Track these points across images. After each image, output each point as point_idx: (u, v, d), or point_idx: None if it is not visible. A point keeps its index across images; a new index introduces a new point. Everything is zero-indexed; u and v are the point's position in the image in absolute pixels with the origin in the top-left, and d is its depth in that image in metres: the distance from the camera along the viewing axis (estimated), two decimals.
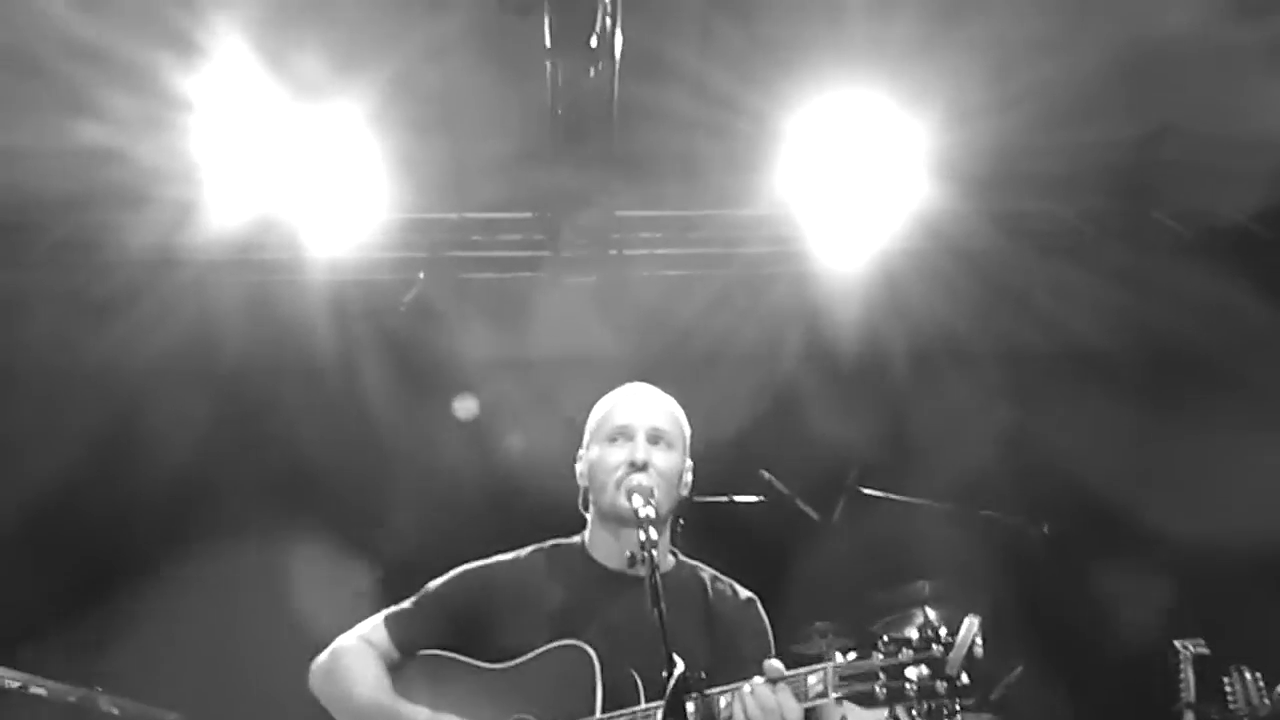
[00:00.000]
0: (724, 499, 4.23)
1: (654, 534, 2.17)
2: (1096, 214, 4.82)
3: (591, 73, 3.71)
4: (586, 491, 2.47)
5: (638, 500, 2.26)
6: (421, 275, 4.86)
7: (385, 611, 2.45)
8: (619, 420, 2.43)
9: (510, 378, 5.01)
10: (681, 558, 2.53)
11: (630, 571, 2.27)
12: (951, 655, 1.82)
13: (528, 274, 4.98)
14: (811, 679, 1.97)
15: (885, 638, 1.94)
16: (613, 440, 2.41)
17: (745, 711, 1.97)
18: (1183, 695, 3.92)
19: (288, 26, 3.70)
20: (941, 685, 1.81)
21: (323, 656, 2.42)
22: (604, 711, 2.17)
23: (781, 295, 4.95)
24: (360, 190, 4.39)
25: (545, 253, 4.88)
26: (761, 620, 2.47)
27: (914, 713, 1.72)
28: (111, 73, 3.74)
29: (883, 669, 1.88)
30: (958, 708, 1.78)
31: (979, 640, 1.83)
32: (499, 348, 5.04)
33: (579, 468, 2.49)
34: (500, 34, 3.74)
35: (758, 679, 2.00)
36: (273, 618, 4.36)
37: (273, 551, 4.65)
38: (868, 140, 4.19)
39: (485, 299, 5.03)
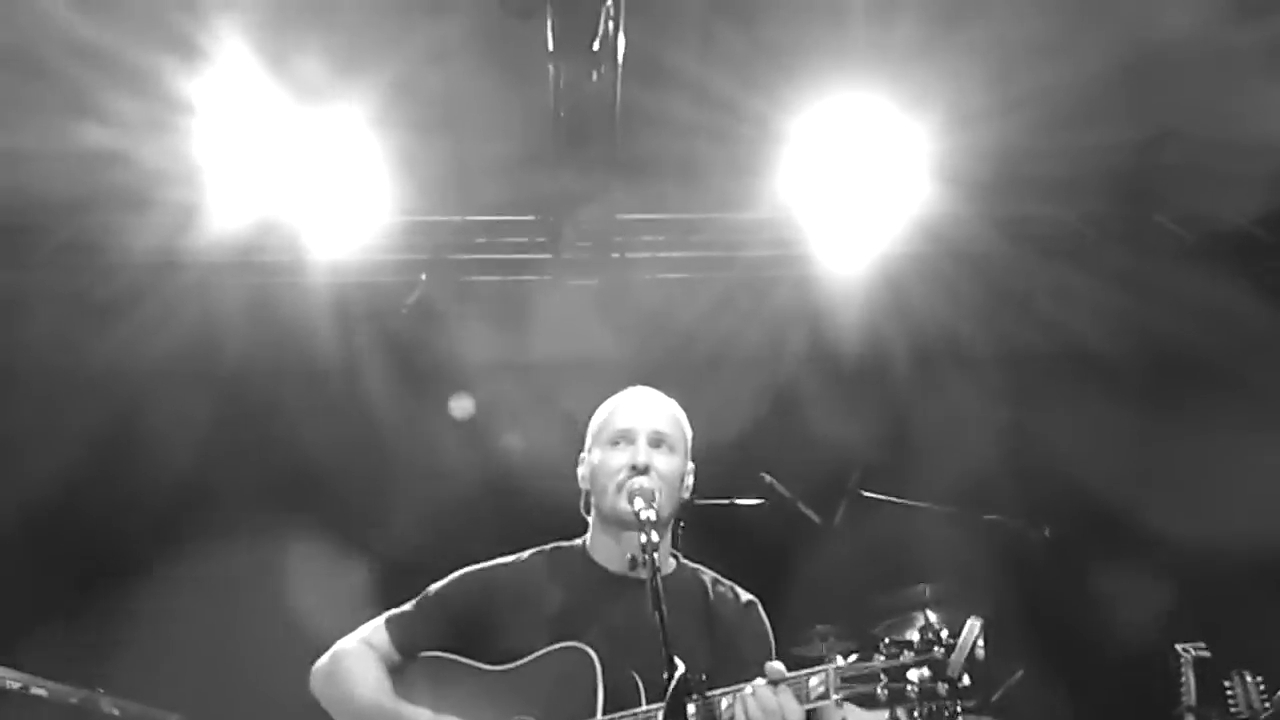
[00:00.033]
0: (725, 502, 4.23)
1: (655, 536, 2.17)
2: (1098, 217, 4.83)
3: (594, 76, 3.72)
4: (588, 495, 2.47)
5: (639, 503, 2.26)
6: (423, 277, 4.87)
7: (386, 614, 2.45)
8: (621, 424, 2.44)
9: (512, 380, 5.02)
10: (683, 560, 2.53)
11: (631, 574, 2.27)
12: (953, 657, 1.83)
13: (530, 277, 4.98)
14: (813, 680, 1.97)
15: (887, 640, 1.94)
16: (615, 444, 2.41)
17: (747, 713, 1.97)
18: (1183, 698, 3.92)
19: (290, 29, 3.70)
20: (943, 687, 1.81)
21: (323, 659, 2.42)
22: (605, 713, 2.17)
23: (783, 298, 4.95)
24: (362, 192, 4.39)
25: (547, 255, 4.89)
26: (762, 623, 2.47)
27: (915, 714, 1.72)
28: (115, 75, 3.75)
29: (884, 671, 1.88)
30: (959, 709, 1.78)
31: (980, 642, 1.84)
32: (501, 350, 5.05)
33: (580, 471, 2.49)
34: (502, 37, 3.74)
35: (759, 680, 2.00)
36: (274, 619, 4.36)
37: (274, 553, 4.66)
38: (869, 144, 4.19)
39: (487, 301, 5.03)
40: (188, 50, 3.68)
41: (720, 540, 3.07)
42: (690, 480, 2.49)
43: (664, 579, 2.11)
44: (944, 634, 1.86)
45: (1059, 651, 4.54)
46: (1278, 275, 4.70)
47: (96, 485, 4.77)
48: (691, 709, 1.98)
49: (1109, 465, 4.72)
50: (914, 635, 1.89)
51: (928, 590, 4.40)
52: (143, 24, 3.61)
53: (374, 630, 2.43)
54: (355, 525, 4.92)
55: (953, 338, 4.94)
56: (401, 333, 4.96)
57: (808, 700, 1.97)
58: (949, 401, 4.99)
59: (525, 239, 4.91)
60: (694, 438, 2.52)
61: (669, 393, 2.56)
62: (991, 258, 4.79)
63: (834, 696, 1.95)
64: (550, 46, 3.61)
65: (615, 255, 4.91)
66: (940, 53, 3.80)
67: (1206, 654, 3.97)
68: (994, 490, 4.63)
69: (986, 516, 4.36)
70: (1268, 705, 3.79)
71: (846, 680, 1.92)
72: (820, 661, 2.03)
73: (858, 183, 4.35)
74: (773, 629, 2.48)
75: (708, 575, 2.51)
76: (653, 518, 2.23)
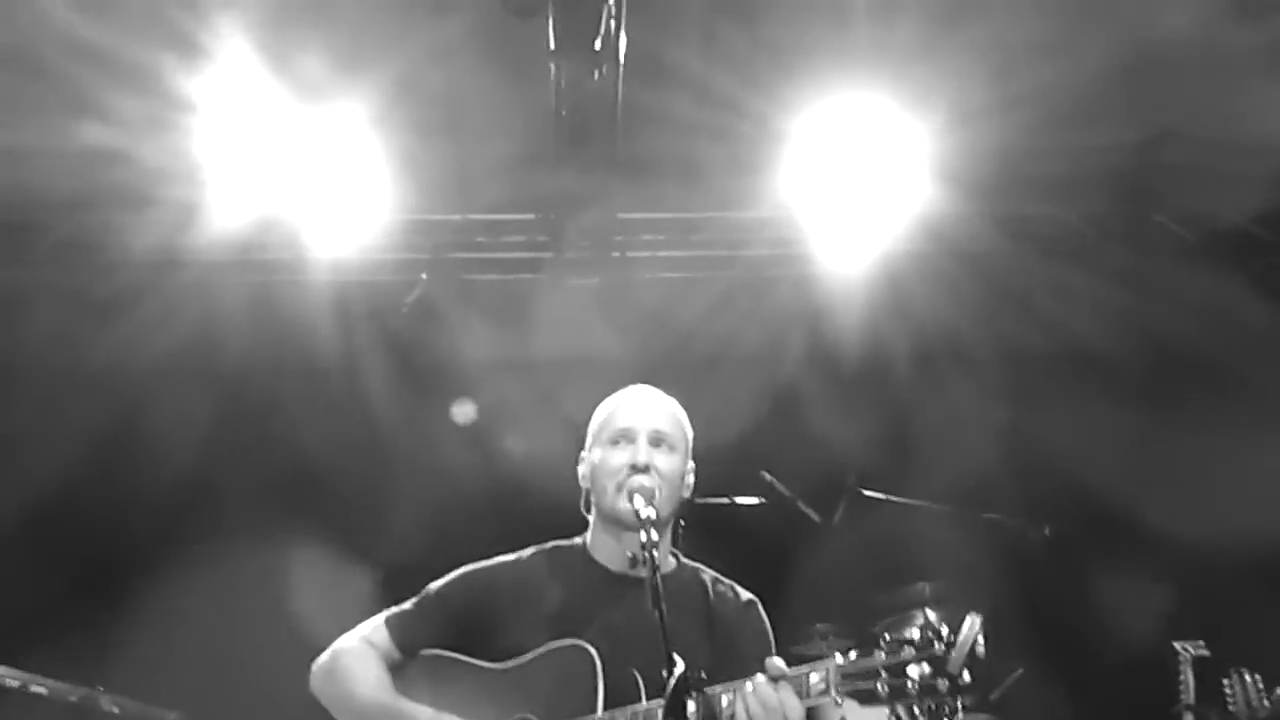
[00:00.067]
0: (725, 501, 4.24)
1: (655, 535, 2.17)
2: (1098, 217, 4.83)
3: (595, 75, 3.72)
4: (588, 494, 2.47)
5: (639, 501, 2.27)
6: (424, 276, 4.87)
7: (386, 612, 2.45)
8: (621, 423, 2.44)
9: (512, 379, 5.02)
10: (683, 560, 2.54)
11: (631, 573, 2.27)
12: (954, 653, 1.82)
13: (530, 276, 4.98)
14: (813, 677, 1.97)
15: (887, 636, 1.94)
16: (615, 443, 2.41)
17: (747, 709, 1.97)
18: (1182, 697, 3.92)
19: (291, 27, 3.70)
20: (943, 683, 1.81)
21: (323, 657, 2.42)
22: (605, 711, 2.17)
23: (784, 297, 4.95)
24: (363, 191, 4.39)
25: (548, 254, 4.89)
26: (762, 622, 2.47)
27: (915, 711, 1.72)
28: (115, 74, 3.75)
29: (885, 667, 1.88)
30: (959, 706, 1.77)
31: (981, 638, 1.84)
32: (501, 349, 5.05)
33: (581, 470, 2.49)
34: (504, 36, 3.74)
35: (760, 676, 2.00)
36: (274, 618, 4.37)
37: (274, 552, 4.66)
38: (870, 143, 4.20)
39: (488, 300, 5.03)
40: (188, 48, 3.68)
41: (720, 539, 3.07)
42: (690, 479, 2.49)
43: (664, 578, 2.11)
44: (944, 630, 1.86)
45: (1058, 650, 4.54)
46: (1278, 274, 4.70)
47: (96, 484, 4.77)
48: (691, 706, 1.98)
49: (1109, 464, 4.72)
50: (914, 632, 1.88)
51: (927, 589, 4.40)
52: (143, 22, 3.61)
53: (374, 628, 2.43)
54: (355, 524, 4.93)
55: (953, 337, 4.94)
56: (402, 331, 4.97)
57: (808, 696, 1.97)
58: (949, 400, 5.00)
59: (526, 238, 4.91)
60: (694, 437, 2.52)
61: (669, 392, 2.56)
62: (992, 257, 4.79)
63: (834, 692, 1.94)
64: (551, 45, 3.61)
65: (616, 254, 4.91)
66: (941, 52, 3.81)
67: (1205, 653, 3.97)
68: (994, 489, 4.63)
69: (986, 515, 4.36)
70: (1266, 704, 3.79)
71: (847, 676, 1.92)
72: (820, 660, 2.03)
73: (859, 182, 4.35)
74: (772, 628, 2.48)
75: (708, 574, 2.51)
76: (653, 516, 2.23)
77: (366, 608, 2.51)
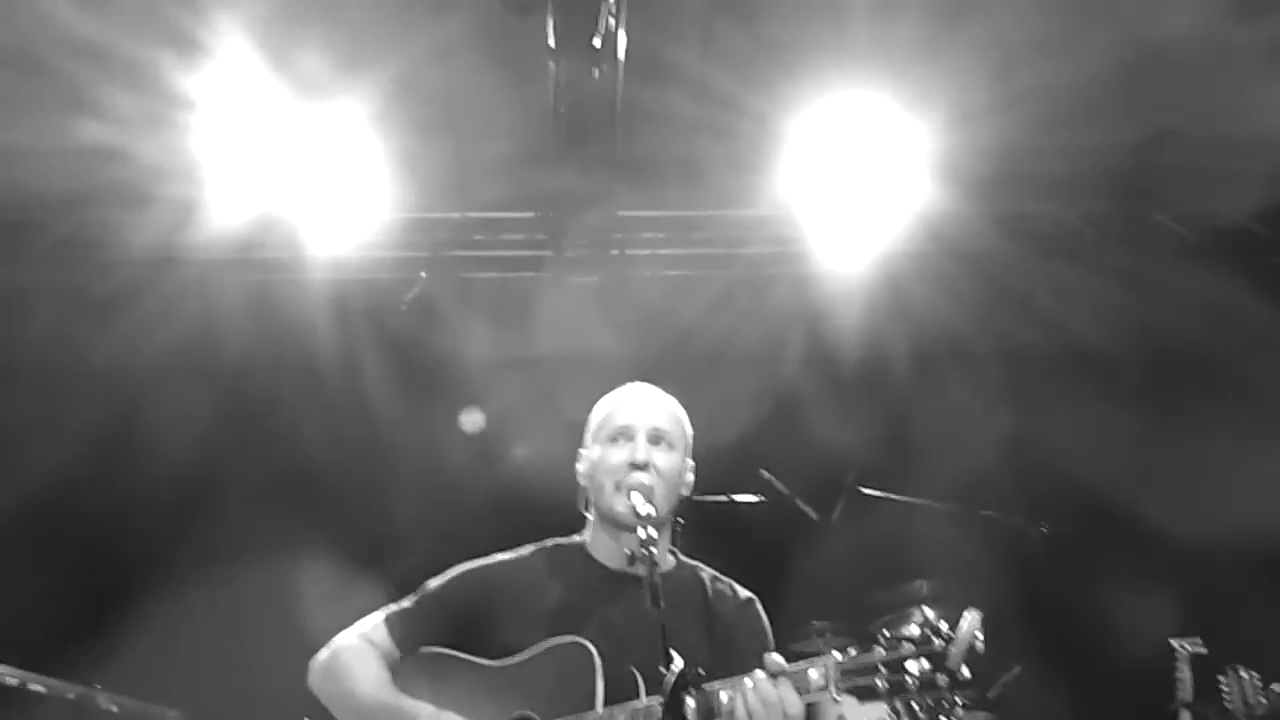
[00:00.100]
0: (724, 499, 4.24)
1: (653, 533, 2.17)
2: (1098, 216, 4.83)
3: (595, 73, 3.72)
4: (586, 492, 2.47)
5: (637, 498, 2.27)
6: (423, 275, 4.87)
7: (385, 610, 2.45)
8: (620, 420, 2.43)
9: (512, 377, 5.01)
10: (681, 558, 2.53)
11: (630, 570, 2.27)
12: (953, 649, 1.82)
13: (530, 274, 4.98)
14: (813, 673, 1.97)
15: (886, 633, 1.94)
16: (614, 440, 2.41)
17: (746, 705, 1.97)
18: (1179, 694, 3.93)
19: (291, 25, 3.70)
20: (943, 679, 1.81)
21: (322, 654, 2.42)
22: (604, 708, 2.17)
23: (783, 296, 4.95)
24: (362, 189, 4.39)
25: (547, 253, 4.89)
26: (761, 619, 2.47)
27: (915, 706, 1.72)
28: (113, 71, 3.75)
29: (884, 663, 1.88)
30: (958, 701, 1.78)
31: (979, 634, 1.84)
32: (501, 347, 5.05)
33: (579, 468, 2.49)
34: (503, 34, 3.74)
35: (759, 673, 2.00)
36: (273, 616, 4.36)
37: (273, 550, 4.65)
38: (870, 141, 4.20)
39: (487, 299, 5.03)
40: (187, 45, 3.68)
41: (718, 537, 3.07)
42: (690, 477, 2.49)
43: (663, 575, 2.11)
44: (943, 626, 1.86)
45: (1056, 648, 4.54)
46: (1277, 272, 4.70)
47: (96, 482, 4.77)
48: (690, 703, 1.98)
49: (1107, 462, 4.73)
50: (913, 630, 1.88)
51: (925, 587, 4.40)
52: (141, 18, 3.61)
53: (373, 626, 2.43)
54: (354, 521, 4.92)
55: (952, 335, 4.94)
56: (401, 330, 4.96)
57: (807, 692, 1.97)
58: (948, 399, 5.00)
59: (525, 236, 4.91)
60: (693, 435, 2.52)
61: (668, 390, 2.55)
62: (991, 256, 4.79)
63: (833, 688, 1.94)
64: (551, 43, 3.60)
65: (615, 252, 4.91)
66: (941, 50, 3.81)
67: (1203, 650, 3.98)
68: (992, 487, 4.64)
69: (984, 513, 4.36)
70: (1263, 701, 3.80)
71: (846, 672, 1.92)
72: (819, 656, 2.03)
73: (858, 180, 4.35)
74: (771, 625, 2.48)
75: (706, 572, 2.51)
76: (651, 513, 2.23)
77: (365, 605, 2.51)
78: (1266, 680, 3.84)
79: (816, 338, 4.97)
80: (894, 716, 3.59)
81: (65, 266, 4.73)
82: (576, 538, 2.50)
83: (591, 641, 2.23)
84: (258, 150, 4.14)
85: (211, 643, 4.56)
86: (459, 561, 2.48)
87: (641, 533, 2.16)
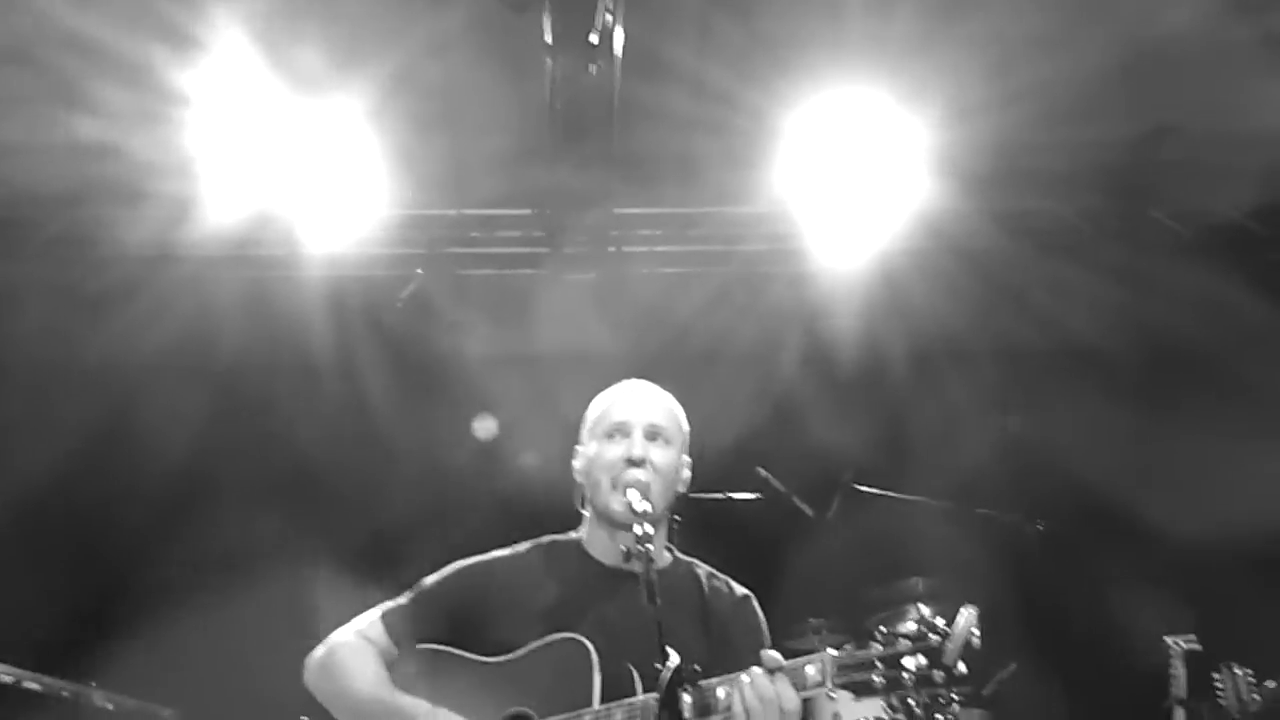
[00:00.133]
0: (720, 496, 4.24)
1: (650, 529, 2.16)
2: (1095, 213, 4.83)
3: (591, 69, 3.71)
4: (583, 489, 2.46)
5: (634, 495, 2.26)
6: (419, 271, 4.86)
7: (381, 607, 2.45)
8: (617, 416, 2.43)
9: (508, 374, 5.01)
10: (678, 554, 2.53)
11: (626, 567, 2.26)
12: (949, 645, 1.83)
13: (526, 271, 4.98)
14: (809, 669, 1.97)
15: (883, 629, 1.94)
16: (610, 436, 2.41)
17: (744, 701, 1.97)
18: (1173, 691, 3.93)
19: (288, 20, 3.69)
20: (939, 675, 1.81)
21: (318, 652, 2.41)
22: (601, 705, 2.17)
23: (780, 293, 4.95)
24: (359, 186, 4.38)
25: (544, 249, 4.88)
26: (757, 616, 2.47)
27: (911, 702, 1.72)
28: (107, 65, 3.73)
29: (881, 659, 1.88)
30: (954, 697, 1.78)
31: (976, 630, 1.84)
32: (497, 345, 5.04)
33: (576, 464, 2.49)
34: (500, 30, 3.73)
35: (756, 669, 2.00)
36: (268, 613, 4.35)
37: (268, 548, 4.65)
38: (867, 137, 4.19)
39: (483, 296, 5.03)
40: (181, 40, 3.66)
41: (715, 534, 3.07)
42: (686, 474, 2.48)
43: (659, 572, 2.10)
44: (940, 622, 1.86)
45: (1051, 645, 4.55)
46: (1273, 269, 4.71)
47: (90, 480, 4.76)
48: (687, 699, 1.98)
49: (1103, 459, 4.73)
50: (909, 627, 1.88)
51: (921, 584, 4.40)
52: (135, 13, 3.59)
53: (369, 623, 2.42)
54: (350, 518, 4.92)
55: (949, 332, 4.94)
56: (397, 327, 4.96)
57: (804, 688, 1.97)
58: (944, 396, 5.00)
59: (522, 233, 4.91)
60: (690, 432, 2.52)
61: (665, 386, 2.55)
62: (988, 253, 4.79)
63: (830, 684, 1.94)
64: (547, 39, 3.59)
65: (612, 249, 4.91)
66: (938, 46, 3.80)
67: (1197, 647, 3.98)
68: (988, 484, 4.64)
69: (980, 511, 4.37)
70: (1256, 698, 3.80)
71: (843, 668, 1.92)
72: (816, 652, 2.02)
73: (855, 177, 4.35)
74: (767, 622, 2.48)
75: (702, 569, 2.51)
76: (648, 509, 2.22)
77: (360, 603, 2.51)
78: (1260, 677, 3.84)
79: (813, 335, 4.97)
80: (890, 712, 3.60)
81: (58, 263, 4.71)
82: (573, 534, 2.50)
83: (588, 638, 2.22)
84: (253, 146, 4.12)
85: (207, 641, 4.55)
86: (456, 557, 2.48)
87: (638, 529, 2.15)
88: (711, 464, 2.77)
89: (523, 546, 2.49)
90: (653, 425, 2.41)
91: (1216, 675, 3.88)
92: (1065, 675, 4.59)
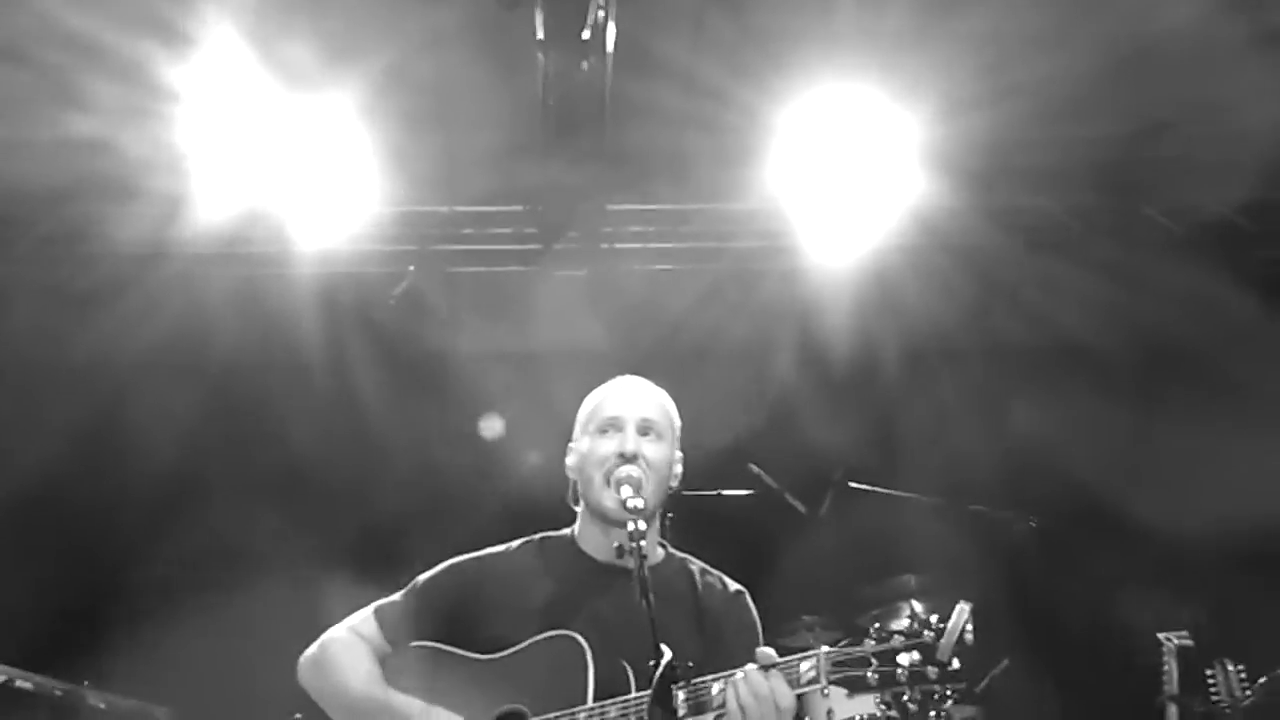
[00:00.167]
0: (713, 492, 4.24)
1: (642, 525, 2.16)
2: (1087, 209, 4.84)
3: (583, 65, 3.70)
4: (575, 485, 2.46)
5: (626, 490, 2.26)
6: (411, 268, 4.85)
7: (375, 604, 2.44)
8: (609, 412, 2.42)
9: (500, 371, 5.00)
10: (670, 550, 2.53)
11: (619, 563, 2.26)
12: (943, 641, 1.83)
13: (518, 267, 4.97)
14: (804, 665, 1.97)
15: (876, 626, 1.94)
16: (603, 432, 2.40)
17: (738, 698, 1.97)
18: (1166, 687, 3.95)
19: (279, 16, 3.67)
20: (933, 671, 1.82)
21: (312, 649, 2.41)
22: (595, 701, 2.17)
23: (772, 289, 4.96)
24: (350, 183, 4.37)
25: (536, 246, 4.87)
26: (750, 612, 2.47)
27: (905, 698, 1.73)
28: (97, 62, 3.71)
29: (875, 655, 1.89)
30: (949, 693, 1.79)
31: (969, 627, 1.84)
32: (489, 341, 5.04)
33: (568, 460, 2.48)
34: (492, 26, 3.72)
35: (750, 665, 2.00)
36: (261, 611, 4.34)
37: (261, 546, 4.64)
38: (859, 134, 4.20)
39: (475, 292, 5.02)
40: (173, 36, 3.65)
41: (707, 530, 3.08)
42: (679, 469, 2.48)
43: (652, 568, 2.11)
44: (933, 619, 1.87)
45: (1044, 642, 4.57)
46: (1264, 266, 4.73)
47: (81, 479, 4.74)
48: (681, 695, 1.98)
49: (1095, 456, 4.75)
50: (903, 623, 1.89)
51: (913, 581, 4.42)
52: (125, 8, 3.57)
53: (363, 620, 2.42)
54: (343, 515, 4.91)
55: (940, 329, 4.96)
56: (389, 324, 4.95)
57: (798, 685, 1.97)
58: (937, 392, 5.01)
59: (514, 230, 4.90)
60: (682, 428, 2.51)
61: (657, 383, 2.55)
62: (981, 250, 4.81)
63: (824, 681, 1.94)
64: (539, 35, 3.58)
65: (604, 246, 4.91)
66: (931, 42, 3.81)
67: (1189, 643, 4.00)
68: (981, 481, 4.66)
69: (973, 507, 4.38)
70: (1249, 694, 3.82)
71: (837, 664, 1.92)
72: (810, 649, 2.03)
73: (847, 173, 4.35)
74: (759, 619, 2.48)
75: (695, 565, 2.51)
76: (640, 505, 2.22)
77: (353, 601, 2.50)
78: (1253, 673, 3.86)
79: (805, 331, 4.97)
80: (884, 709, 3.60)
81: (48, 261, 4.69)
82: (566, 531, 2.50)
83: (582, 635, 2.22)
84: (244, 143, 4.11)
85: (200, 639, 4.54)
86: (449, 554, 2.48)
87: (630, 525, 2.15)
88: (704, 461, 2.77)
89: (515, 543, 2.48)
90: (645, 420, 2.41)
91: (1210, 671, 3.90)
92: (1058, 671, 4.61)
